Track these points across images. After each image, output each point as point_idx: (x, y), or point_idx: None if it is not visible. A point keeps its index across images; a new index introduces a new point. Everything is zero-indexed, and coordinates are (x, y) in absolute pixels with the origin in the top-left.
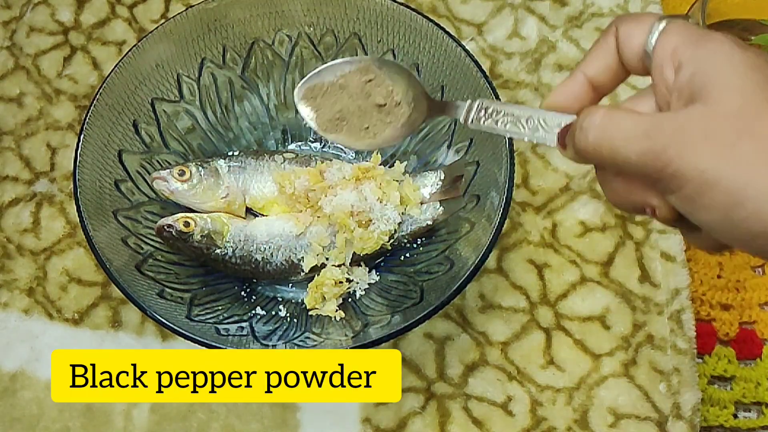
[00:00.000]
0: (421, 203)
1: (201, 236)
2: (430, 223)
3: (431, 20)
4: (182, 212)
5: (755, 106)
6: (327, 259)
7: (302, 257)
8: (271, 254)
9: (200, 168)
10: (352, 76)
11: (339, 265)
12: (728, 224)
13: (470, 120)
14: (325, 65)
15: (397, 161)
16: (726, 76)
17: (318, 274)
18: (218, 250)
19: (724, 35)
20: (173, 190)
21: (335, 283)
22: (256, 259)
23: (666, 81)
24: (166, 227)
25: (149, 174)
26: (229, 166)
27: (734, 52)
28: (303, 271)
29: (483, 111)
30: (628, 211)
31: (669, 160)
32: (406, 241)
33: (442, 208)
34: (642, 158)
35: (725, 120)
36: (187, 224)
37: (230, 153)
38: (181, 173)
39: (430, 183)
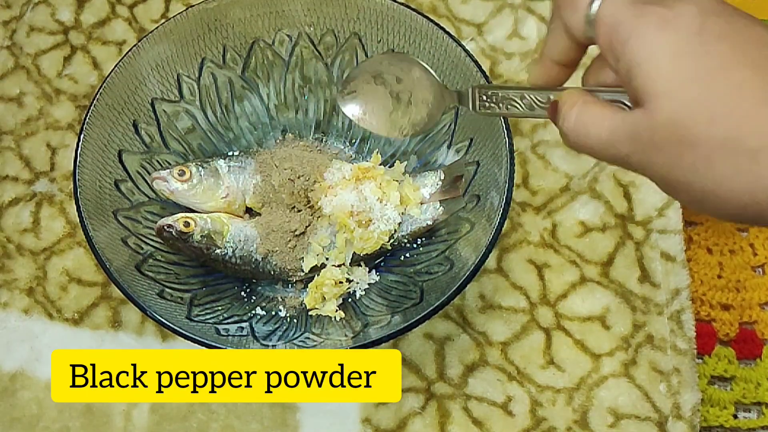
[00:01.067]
0: (421, 203)
1: (201, 236)
2: (430, 223)
3: (431, 20)
4: (182, 212)
5: (687, 109)
6: (327, 259)
7: (302, 257)
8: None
9: (200, 168)
10: (370, 83)
11: (339, 265)
12: (698, 210)
13: (477, 107)
14: (356, 70)
15: (397, 161)
16: (655, 78)
17: (318, 274)
18: (218, 250)
19: (654, 10)
20: (173, 190)
21: (335, 283)
22: (256, 259)
23: (614, 69)
24: (166, 227)
25: (149, 174)
26: (229, 166)
27: (661, 39)
28: (303, 271)
29: (484, 96)
30: None
31: (634, 167)
32: (406, 241)
33: (442, 208)
34: (613, 161)
35: (665, 129)
36: (187, 224)
37: (230, 153)
38: (181, 173)
39: (430, 183)
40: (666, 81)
